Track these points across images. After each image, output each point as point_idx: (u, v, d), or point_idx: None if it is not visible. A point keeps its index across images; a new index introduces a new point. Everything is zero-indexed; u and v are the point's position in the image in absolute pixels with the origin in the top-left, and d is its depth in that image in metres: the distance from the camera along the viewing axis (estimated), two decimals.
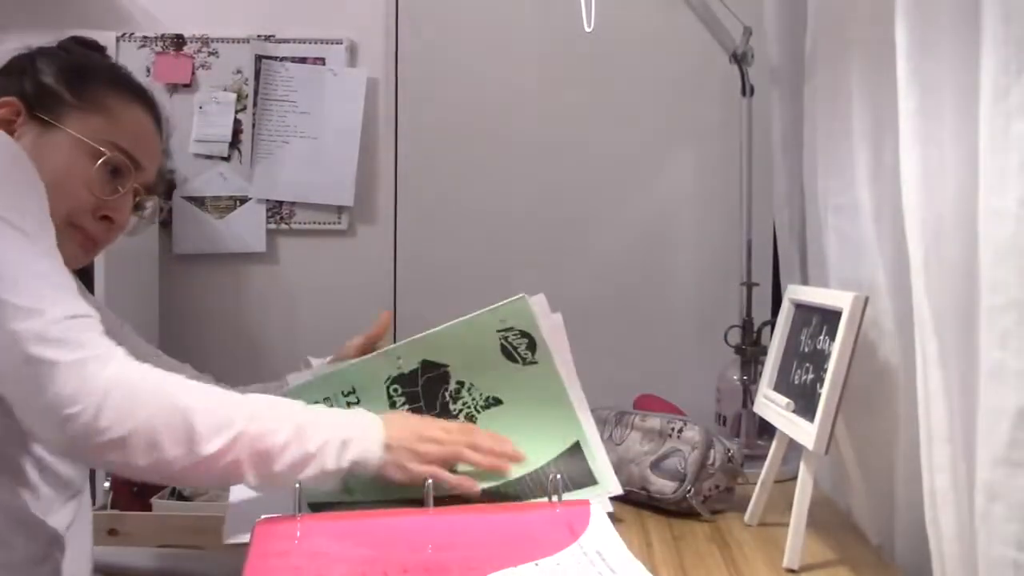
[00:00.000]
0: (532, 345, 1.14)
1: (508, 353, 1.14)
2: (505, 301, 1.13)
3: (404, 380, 1.13)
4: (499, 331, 1.14)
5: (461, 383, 1.13)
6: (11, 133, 1.06)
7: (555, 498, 1.05)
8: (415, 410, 1.12)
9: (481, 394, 1.14)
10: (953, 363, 0.86)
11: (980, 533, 0.80)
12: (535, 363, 1.14)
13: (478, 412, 1.13)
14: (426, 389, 1.12)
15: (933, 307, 0.87)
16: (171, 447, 0.90)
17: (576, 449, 1.14)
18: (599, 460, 1.14)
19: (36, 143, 1.06)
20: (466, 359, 1.13)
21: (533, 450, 1.10)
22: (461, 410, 1.13)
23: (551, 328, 1.15)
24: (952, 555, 0.86)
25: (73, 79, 1.11)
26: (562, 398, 1.16)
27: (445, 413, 1.13)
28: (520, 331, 1.14)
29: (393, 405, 1.13)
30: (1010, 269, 0.76)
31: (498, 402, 1.14)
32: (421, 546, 0.96)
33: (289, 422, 0.97)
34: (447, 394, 1.13)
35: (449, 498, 1.04)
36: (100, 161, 1.07)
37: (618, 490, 1.14)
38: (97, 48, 1.22)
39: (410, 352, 1.14)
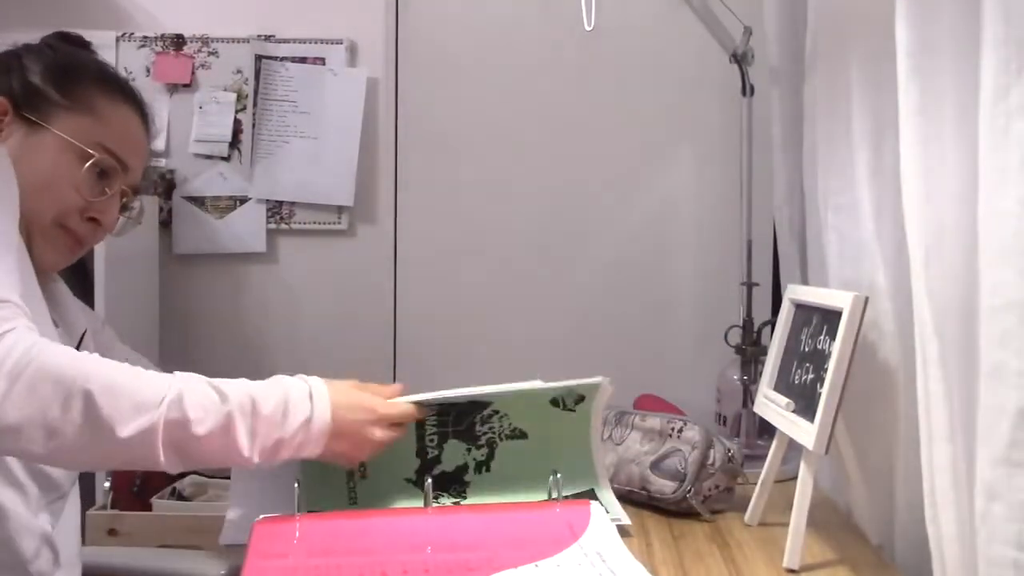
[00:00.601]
0: (579, 400, 1.14)
1: (555, 401, 1.14)
2: (586, 381, 1.12)
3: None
4: (561, 394, 1.14)
5: (496, 411, 1.12)
6: None
7: (555, 495, 1.05)
8: (442, 423, 1.12)
9: (510, 424, 1.13)
10: (953, 363, 0.86)
11: (980, 533, 0.80)
12: (572, 411, 1.14)
13: (500, 440, 1.13)
14: (463, 408, 1.11)
15: (934, 307, 0.87)
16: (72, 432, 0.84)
17: (589, 495, 1.14)
18: (614, 508, 1.14)
19: (23, 143, 1.06)
20: (516, 399, 1.12)
21: (543, 486, 1.09)
22: (485, 434, 1.13)
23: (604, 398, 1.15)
24: (952, 555, 0.86)
25: (60, 78, 1.10)
26: (587, 448, 1.15)
27: (470, 434, 1.12)
28: (579, 395, 1.14)
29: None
30: (1010, 269, 0.76)
31: (523, 435, 1.13)
32: (420, 547, 0.96)
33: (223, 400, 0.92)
34: (480, 417, 1.12)
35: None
36: (88, 163, 1.07)
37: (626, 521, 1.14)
38: (83, 44, 1.21)
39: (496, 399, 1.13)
